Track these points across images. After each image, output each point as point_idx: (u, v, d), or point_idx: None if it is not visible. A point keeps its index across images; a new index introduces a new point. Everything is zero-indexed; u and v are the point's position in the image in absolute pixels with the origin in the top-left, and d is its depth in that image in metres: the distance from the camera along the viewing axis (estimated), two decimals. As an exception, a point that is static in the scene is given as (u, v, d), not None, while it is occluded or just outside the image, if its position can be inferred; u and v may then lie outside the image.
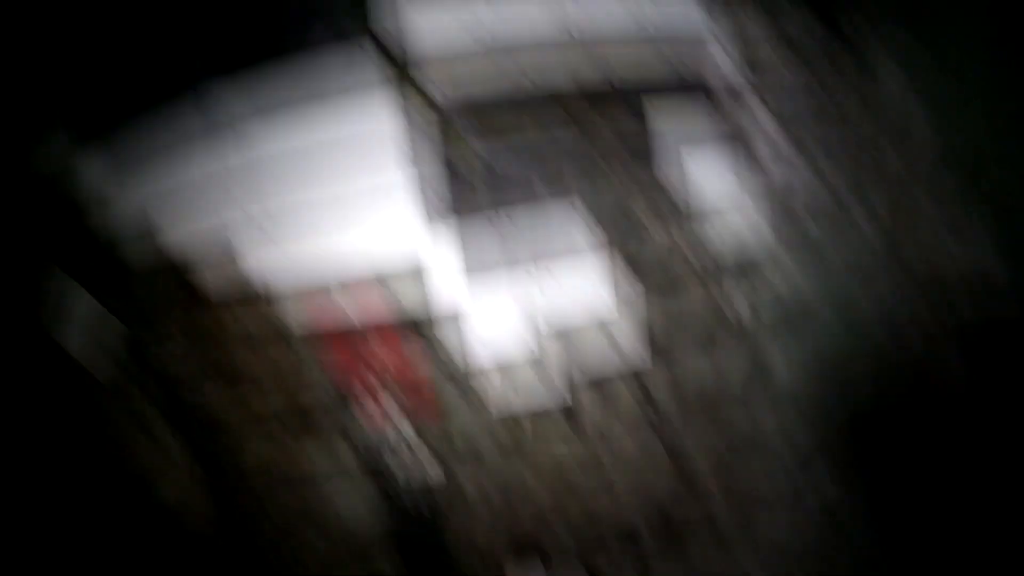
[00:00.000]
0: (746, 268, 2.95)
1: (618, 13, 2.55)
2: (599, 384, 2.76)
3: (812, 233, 3.21)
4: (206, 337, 2.63)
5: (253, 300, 2.56)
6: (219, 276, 2.57)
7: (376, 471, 2.70)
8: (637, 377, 2.88)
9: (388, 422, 2.64)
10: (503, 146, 2.48)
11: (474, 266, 2.45)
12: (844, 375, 3.36)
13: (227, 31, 2.39)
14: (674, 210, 2.65)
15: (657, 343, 2.85)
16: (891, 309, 3.52)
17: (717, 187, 2.71)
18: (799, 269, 3.18)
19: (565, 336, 2.57)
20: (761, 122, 2.95)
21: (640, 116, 2.64)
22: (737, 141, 2.83)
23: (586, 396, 2.78)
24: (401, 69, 2.40)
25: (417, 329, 2.54)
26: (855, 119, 3.32)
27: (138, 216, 2.56)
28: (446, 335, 2.56)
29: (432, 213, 2.40)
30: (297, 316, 2.51)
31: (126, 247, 2.58)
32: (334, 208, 2.43)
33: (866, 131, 3.36)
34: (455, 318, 2.50)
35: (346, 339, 2.52)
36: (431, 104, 2.44)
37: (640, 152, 2.63)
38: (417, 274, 2.49)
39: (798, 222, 3.14)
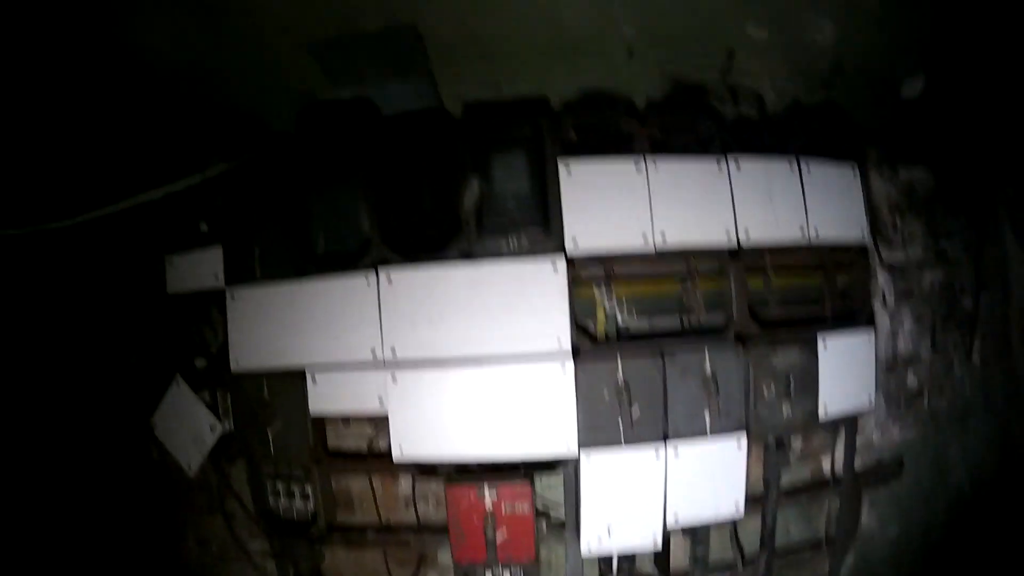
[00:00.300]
0: (846, 419, 2.92)
1: (786, 225, 2.53)
2: (692, 531, 2.72)
3: (911, 383, 3.19)
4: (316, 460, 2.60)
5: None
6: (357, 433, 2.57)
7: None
8: (730, 525, 2.85)
9: (482, 552, 2.59)
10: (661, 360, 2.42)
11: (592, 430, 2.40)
12: (926, 520, 3.31)
13: (414, 223, 2.42)
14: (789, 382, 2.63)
15: (752, 492, 2.82)
16: (978, 458, 3.47)
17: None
18: (895, 419, 3.14)
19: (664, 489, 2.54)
20: (877, 275, 2.94)
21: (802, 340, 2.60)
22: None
23: (678, 542, 2.74)
24: (578, 277, 2.36)
25: (525, 472, 2.50)
26: (960, 271, 3.31)
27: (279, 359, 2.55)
28: (552, 480, 2.54)
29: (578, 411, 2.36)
30: (406, 447, 2.50)
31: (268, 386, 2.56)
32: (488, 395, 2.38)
33: (968, 283, 3.35)
34: (564, 466, 2.45)
35: (454, 474, 2.49)
36: (605, 315, 2.42)
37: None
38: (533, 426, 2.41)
39: (900, 373, 3.12)
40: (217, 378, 2.66)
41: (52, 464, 2.99)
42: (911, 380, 3.14)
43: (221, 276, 2.59)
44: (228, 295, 2.56)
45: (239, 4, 2.43)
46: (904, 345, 3.06)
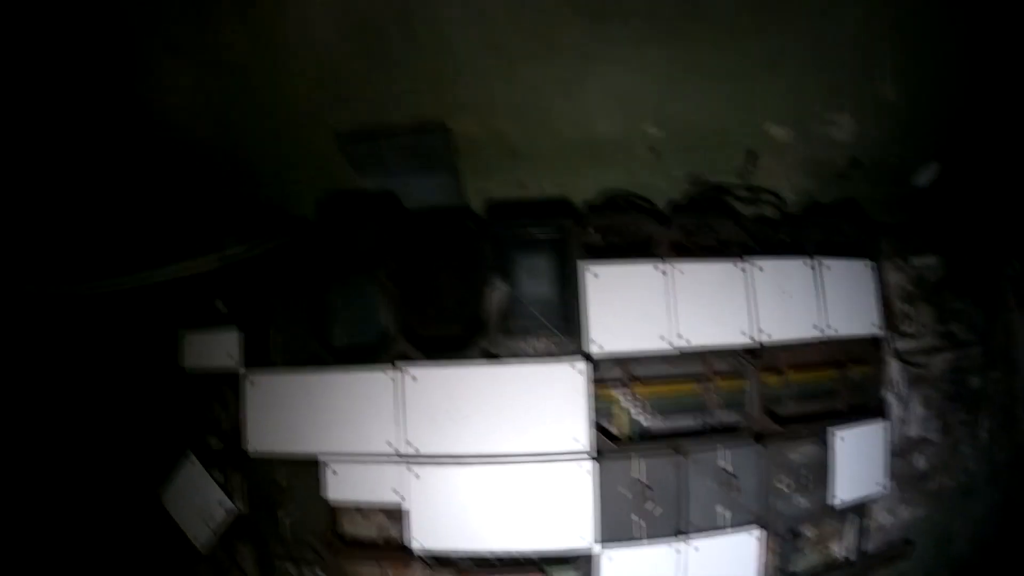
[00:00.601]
0: (857, 505, 2.94)
1: (803, 323, 2.57)
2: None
3: (919, 465, 3.21)
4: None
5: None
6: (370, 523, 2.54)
7: None
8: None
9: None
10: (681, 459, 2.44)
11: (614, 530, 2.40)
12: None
13: (435, 319, 2.43)
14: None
15: (763, 579, 2.82)
16: (982, 528, 3.49)
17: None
18: (904, 500, 3.16)
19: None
20: (888, 365, 2.97)
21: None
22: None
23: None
24: (599, 378, 2.36)
25: (541, 566, 2.48)
26: (968, 351, 3.34)
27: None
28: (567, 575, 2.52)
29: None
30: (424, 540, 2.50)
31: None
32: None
33: (975, 362, 3.39)
34: (581, 561, 2.40)
35: (470, 566, 2.47)
36: (625, 415, 2.44)
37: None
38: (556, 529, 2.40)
39: (909, 456, 3.14)
40: (230, 457, 2.64)
41: (59, 524, 2.95)
42: (919, 462, 3.17)
43: (237, 358, 2.58)
44: (244, 378, 2.55)
45: (269, 85, 2.44)
46: (913, 429, 3.08)
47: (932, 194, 3.15)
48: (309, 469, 2.48)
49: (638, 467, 2.36)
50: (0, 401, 2.83)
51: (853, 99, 2.72)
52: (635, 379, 2.41)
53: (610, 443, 2.35)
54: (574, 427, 2.32)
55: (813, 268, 2.60)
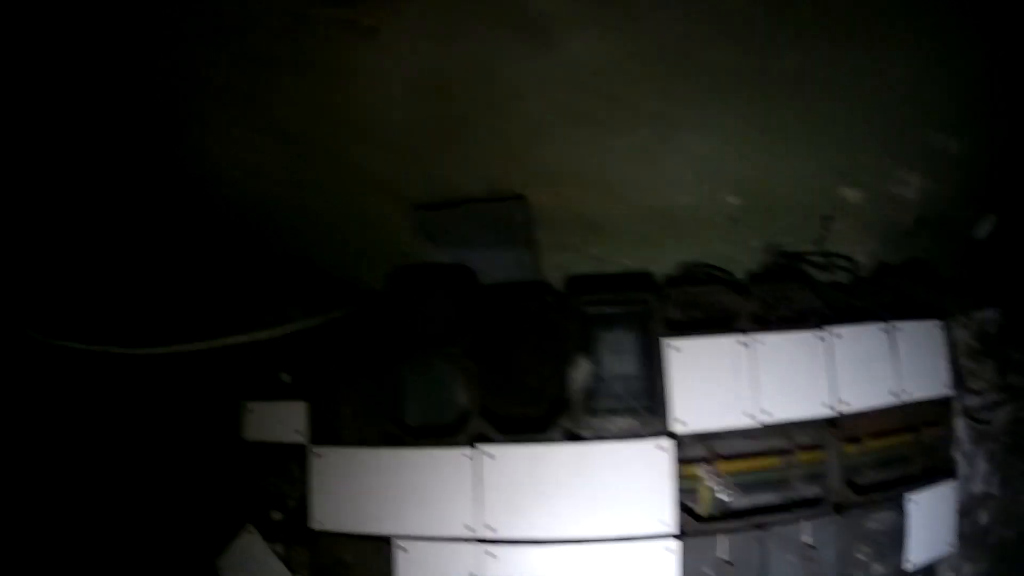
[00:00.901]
0: (927, 567, 2.91)
1: (879, 389, 2.54)
2: None
3: (981, 520, 3.19)
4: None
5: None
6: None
7: None
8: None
9: None
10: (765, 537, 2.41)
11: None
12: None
13: (514, 398, 2.38)
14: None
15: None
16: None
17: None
18: (967, 557, 3.14)
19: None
20: (957, 423, 2.95)
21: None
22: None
23: None
24: (683, 456, 2.31)
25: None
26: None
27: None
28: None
29: None
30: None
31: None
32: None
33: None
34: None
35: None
36: (708, 493, 2.39)
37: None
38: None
39: (973, 512, 3.12)
40: (292, 532, 2.56)
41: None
42: (982, 517, 3.15)
43: (303, 432, 2.51)
44: (313, 454, 2.48)
45: (339, 152, 2.38)
46: (978, 486, 3.06)
47: (990, 246, 3.13)
48: (379, 548, 2.40)
49: (721, 545, 2.31)
50: (58, 464, 2.75)
51: (920, 155, 2.70)
52: (717, 455, 2.36)
53: (694, 522, 2.30)
54: (658, 507, 2.26)
55: (888, 332, 2.57)
